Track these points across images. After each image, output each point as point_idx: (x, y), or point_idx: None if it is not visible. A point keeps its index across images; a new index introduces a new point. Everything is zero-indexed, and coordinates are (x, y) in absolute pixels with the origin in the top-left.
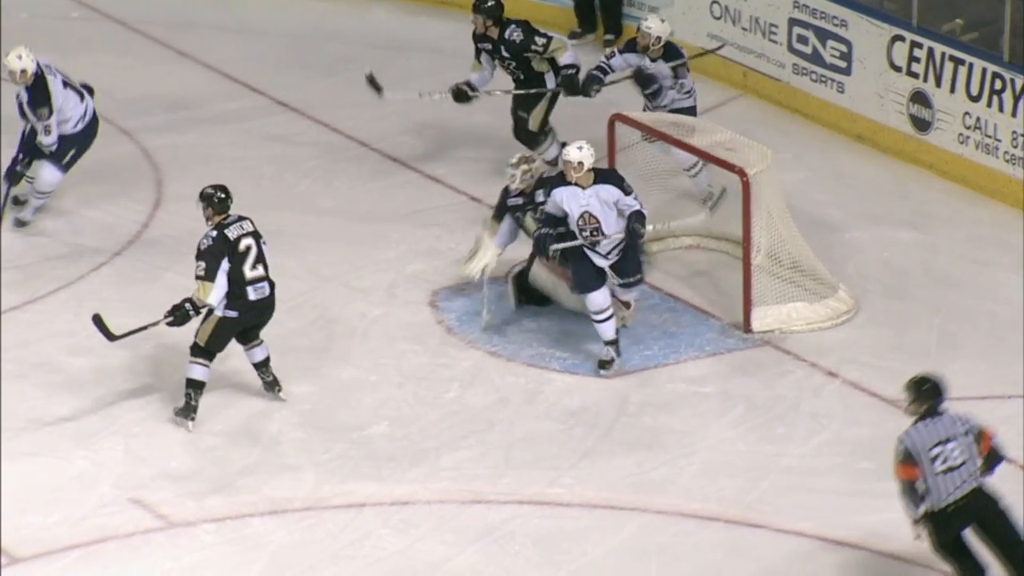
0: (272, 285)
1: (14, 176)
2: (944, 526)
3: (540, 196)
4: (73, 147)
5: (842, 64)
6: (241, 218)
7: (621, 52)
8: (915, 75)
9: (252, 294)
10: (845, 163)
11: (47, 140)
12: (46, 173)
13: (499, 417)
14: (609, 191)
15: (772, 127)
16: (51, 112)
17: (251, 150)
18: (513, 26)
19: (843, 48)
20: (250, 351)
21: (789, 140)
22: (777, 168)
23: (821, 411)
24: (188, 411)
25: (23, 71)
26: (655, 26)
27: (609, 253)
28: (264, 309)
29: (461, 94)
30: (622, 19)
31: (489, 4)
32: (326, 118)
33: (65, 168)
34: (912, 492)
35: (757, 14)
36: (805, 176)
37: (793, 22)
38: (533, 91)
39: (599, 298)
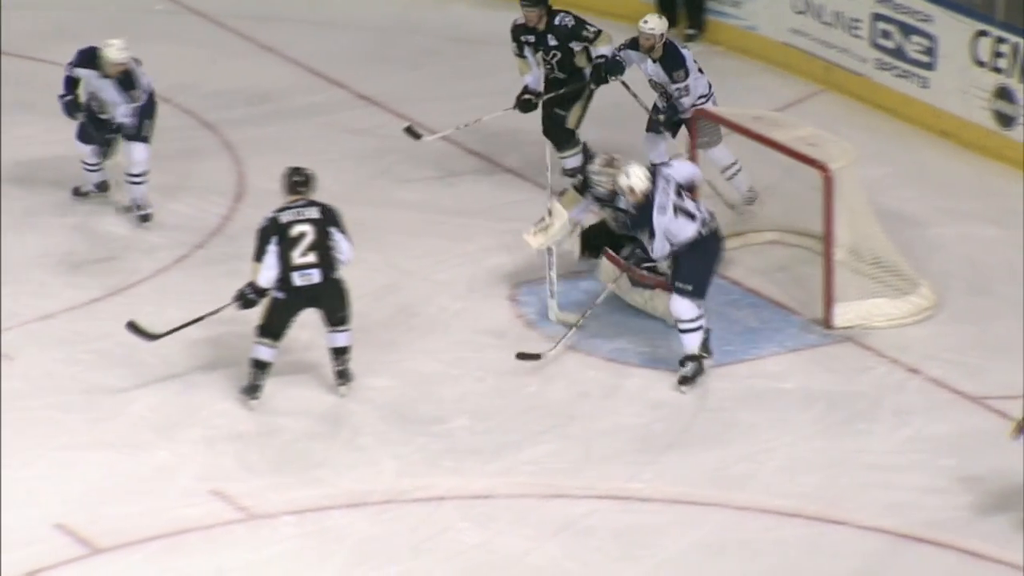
0: (326, 271)
1: (109, 144)
2: None
3: (621, 202)
4: (147, 118)
5: (925, 59)
6: (310, 204)
7: (625, 48)
8: (999, 71)
9: (297, 279)
10: (928, 159)
11: (131, 121)
12: (137, 152)
13: (579, 412)
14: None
15: (854, 123)
16: (141, 93)
17: (333, 143)
18: (563, 13)
19: (927, 43)
20: (330, 335)
21: (871, 136)
22: (859, 164)
23: (903, 408)
24: (251, 390)
25: (123, 63)
26: (657, 24)
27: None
28: (315, 296)
29: (528, 104)
30: (705, 13)
31: None
32: (408, 111)
33: (149, 140)
34: None
35: (840, 8)
36: (887, 172)
37: (876, 17)
38: (574, 88)
39: (678, 306)
